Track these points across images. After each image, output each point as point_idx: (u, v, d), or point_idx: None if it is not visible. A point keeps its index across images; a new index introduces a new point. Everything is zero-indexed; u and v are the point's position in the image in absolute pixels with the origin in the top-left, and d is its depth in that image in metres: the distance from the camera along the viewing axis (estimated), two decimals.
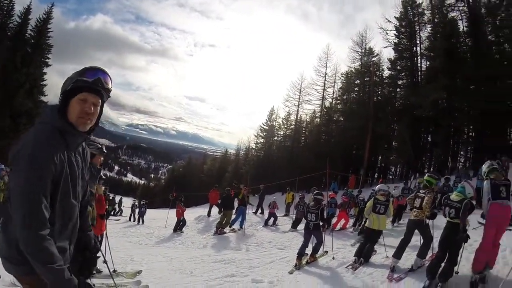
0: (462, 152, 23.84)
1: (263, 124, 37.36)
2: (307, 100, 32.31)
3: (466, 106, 20.45)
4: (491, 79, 19.25)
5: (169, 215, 13.56)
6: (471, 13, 21.79)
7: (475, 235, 4.26)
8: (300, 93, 32.63)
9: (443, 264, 4.21)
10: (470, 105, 20.33)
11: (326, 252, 6.78)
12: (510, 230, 4.29)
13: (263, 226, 11.76)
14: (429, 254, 5.19)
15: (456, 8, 22.97)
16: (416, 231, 5.20)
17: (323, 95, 31.45)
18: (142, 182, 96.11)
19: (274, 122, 36.61)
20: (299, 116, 33.61)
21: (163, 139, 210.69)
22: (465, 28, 22.49)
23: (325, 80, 31.26)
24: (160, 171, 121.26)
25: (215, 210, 14.04)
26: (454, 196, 4.36)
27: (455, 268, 4.17)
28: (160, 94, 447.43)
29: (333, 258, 6.36)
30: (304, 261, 6.33)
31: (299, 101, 32.82)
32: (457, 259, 4.13)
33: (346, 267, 5.68)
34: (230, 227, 11.23)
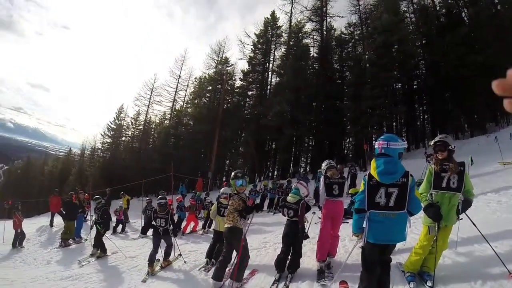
0: (303, 158, 28.29)
1: (111, 123, 34.50)
2: (158, 101, 32.00)
3: (307, 119, 24.24)
4: (332, 98, 23.65)
5: (5, 228, 11.83)
6: (322, 42, 26.37)
7: (317, 229, 4.69)
8: (151, 93, 31.92)
9: (289, 257, 4.47)
10: (311, 119, 24.32)
11: (180, 255, 6.59)
12: (346, 222, 4.99)
13: (111, 234, 11.19)
14: (247, 272, 4.67)
15: (311, 36, 27.47)
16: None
17: (174, 97, 31.71)
18: None
19: (122, 121, 34.36)
20: (148, 116, 32.79)
21: None
22: (315, 54, 27.05)
23: (178, 82, 31.66)
24: None
25: (58, 219, 12.61)
26: (290, 198, 4.70)
27: (301, 260, 4.49)
28: None
29: (185, 262, 6.21)
30: (157, 267, 6.10)
31: (149, 101, 32.05)
32: (300, 252, 4.49)
33: (199, 269, 5.62)
34: (76, 238, 10.43)
